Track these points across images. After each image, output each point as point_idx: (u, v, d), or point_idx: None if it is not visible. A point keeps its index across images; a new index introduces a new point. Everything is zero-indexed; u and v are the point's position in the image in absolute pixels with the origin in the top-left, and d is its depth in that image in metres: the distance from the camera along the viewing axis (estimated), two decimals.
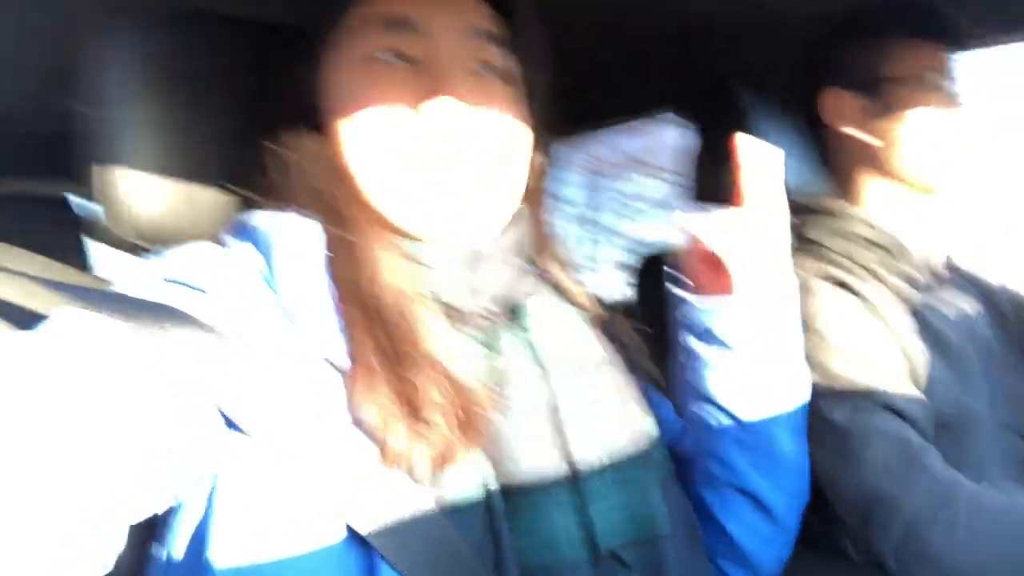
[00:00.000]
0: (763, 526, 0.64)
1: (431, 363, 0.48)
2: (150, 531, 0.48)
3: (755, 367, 0.63)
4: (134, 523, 0.43)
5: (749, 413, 0.62)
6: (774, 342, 0.64)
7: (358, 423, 0.46)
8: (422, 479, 0.46)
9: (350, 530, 0.43)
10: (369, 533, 0.43)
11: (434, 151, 0.53)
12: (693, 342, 0.65)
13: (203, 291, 0.49)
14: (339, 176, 0.54)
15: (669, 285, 0.68)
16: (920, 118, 0.86)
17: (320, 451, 0.44)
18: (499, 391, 0.52)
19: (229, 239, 0.54)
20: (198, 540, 0.44)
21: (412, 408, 0.46)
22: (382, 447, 0.45)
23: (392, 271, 0.51)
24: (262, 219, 0.53)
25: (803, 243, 0.90)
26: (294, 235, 0.51)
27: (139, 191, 0.59)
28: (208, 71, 0.62)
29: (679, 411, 0.68)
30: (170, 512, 0.47)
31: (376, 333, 0.48)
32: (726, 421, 0.63)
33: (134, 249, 0.63)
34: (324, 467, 0.44)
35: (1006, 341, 0.93)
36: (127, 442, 0.41)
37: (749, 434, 0.62)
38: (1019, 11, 0.93)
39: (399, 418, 0.45)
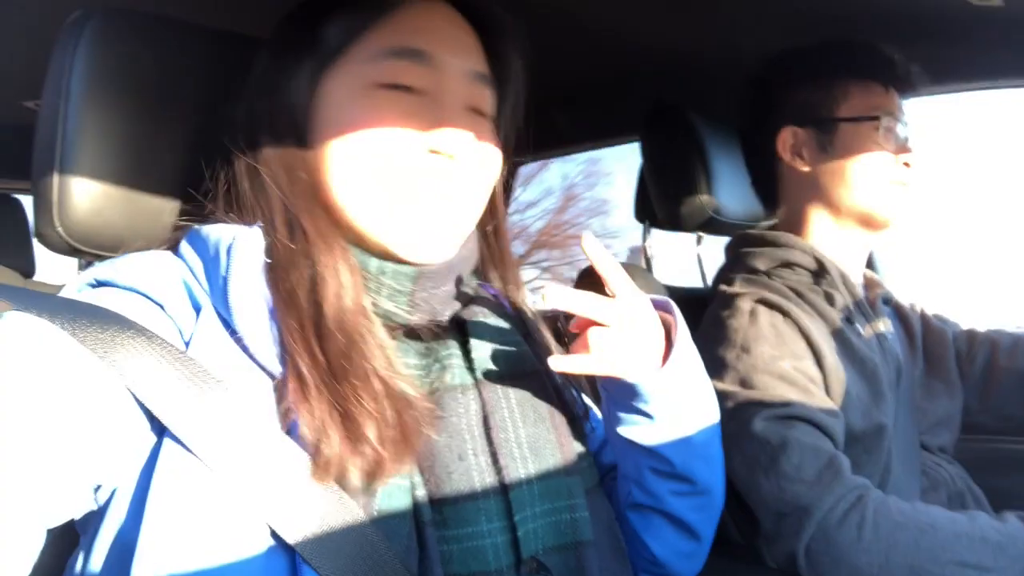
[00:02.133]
0: (684, 543, 0.66)
1: (368, 374, 0.49)
2: (67, 542, 0.48)
3: (673, 427, 0.61)
4: (52, 526, 0.43)
5: (666, 450, 0.61)
6: (685, 402, 0.61)
7: (289, 431, 0.47)
8: (354, 490, 0.46)
9: (275, 536, 0.44)
10: (294, 541, 0.44)
11: (430, 178, 0.55)
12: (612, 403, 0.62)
13: (144, 296, 0.50)
14: (312, 190, 0.56)
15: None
16: (870, 158, 0.91)
17: (248, 458, 0.45)
18: (435, 402, 0.53)
19: (182, 247, 0.55)
20: (121, 548, 0.44)
21: (346, 419, 0.47)
22: (314, 457, 0.46)
23: (337, 283, 0.52)
24: (210, 229, 0.53)
25: (748, 272, 0.97)
26: (237, 244, 0.51)
27: (76, 196, 0.57)
28: (168, 79, 0.61)
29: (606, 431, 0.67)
30: (89, 521, 0.47)
31: (314, 343, 0.49)
32: (644, 456, 0.62)
33: (75, 253, 0.61)
34: (252, 475, 0.44)
35: (915, 358, 1.01)
36: (52, 444, 0.41)
37: (667, 466, 0.62)
38: (966, 60, 1.00)
39: (333, 428, 0.46)
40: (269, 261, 0.52)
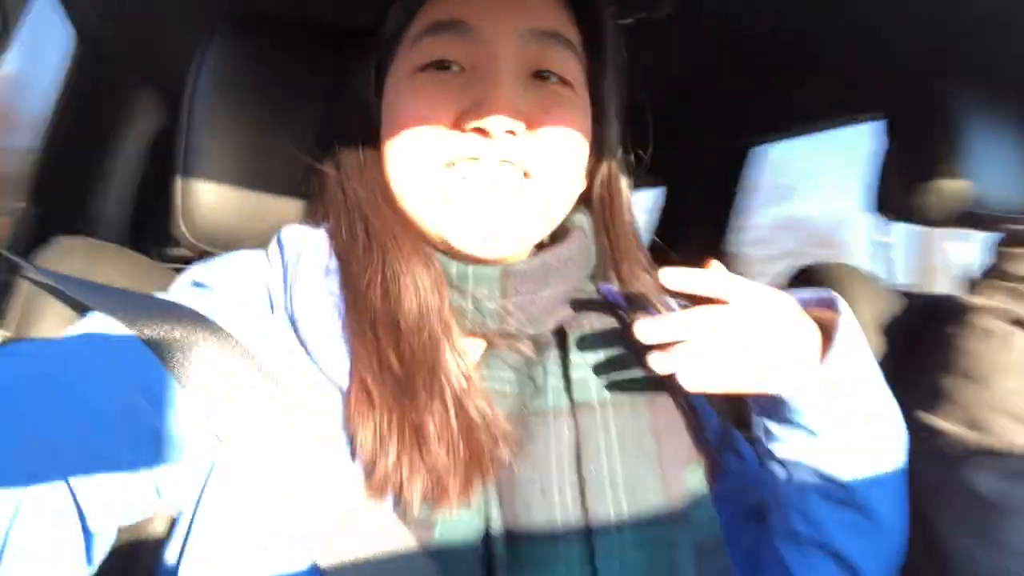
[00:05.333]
0: None
1: (440, 387, 0.46)
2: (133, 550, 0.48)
3: (843, 443, 0.54)
4: (123, 524, 0.42)
5: (837, 471, 0.54)
6: (858, 412, 0.54)
7: (350, 445, 0.44)
8: (411, 513, 0.43)
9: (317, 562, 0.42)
10: (331, 570, 0.41)
11: (475, 164, 0.49)
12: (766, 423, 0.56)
13: (230, 298, 0.49)
14: (383, 190, 0.53)
15: None
16: None
17: (302, 476, 0.43)
18: (522, 426, 0.48)
19: (270, 249, 0.54)
20: (170, 559, 0.44)
21: (410, 433, 0.44)
22: (370, 473, 0.43)
23: (414, 281, 0.48)
24: (288, 231, 0.53)
25: (1005, 279, 0.76)
26: (302, 248, 0.50)
27: (197, 200, 0.61)
28: (288, 83, 0.63)
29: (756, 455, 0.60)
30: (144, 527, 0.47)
31: (385, 345, 0.46)
32: (808, 475, 0.55)
33: (201, 254, 0.64)
34: (302, 492, 0.43)
35: None
36: (124, 444, 0.40)
37: (838, 491, 0.54)
38: None
39: (392, 440, 0.43)
40: (338, 264, 0.50)
